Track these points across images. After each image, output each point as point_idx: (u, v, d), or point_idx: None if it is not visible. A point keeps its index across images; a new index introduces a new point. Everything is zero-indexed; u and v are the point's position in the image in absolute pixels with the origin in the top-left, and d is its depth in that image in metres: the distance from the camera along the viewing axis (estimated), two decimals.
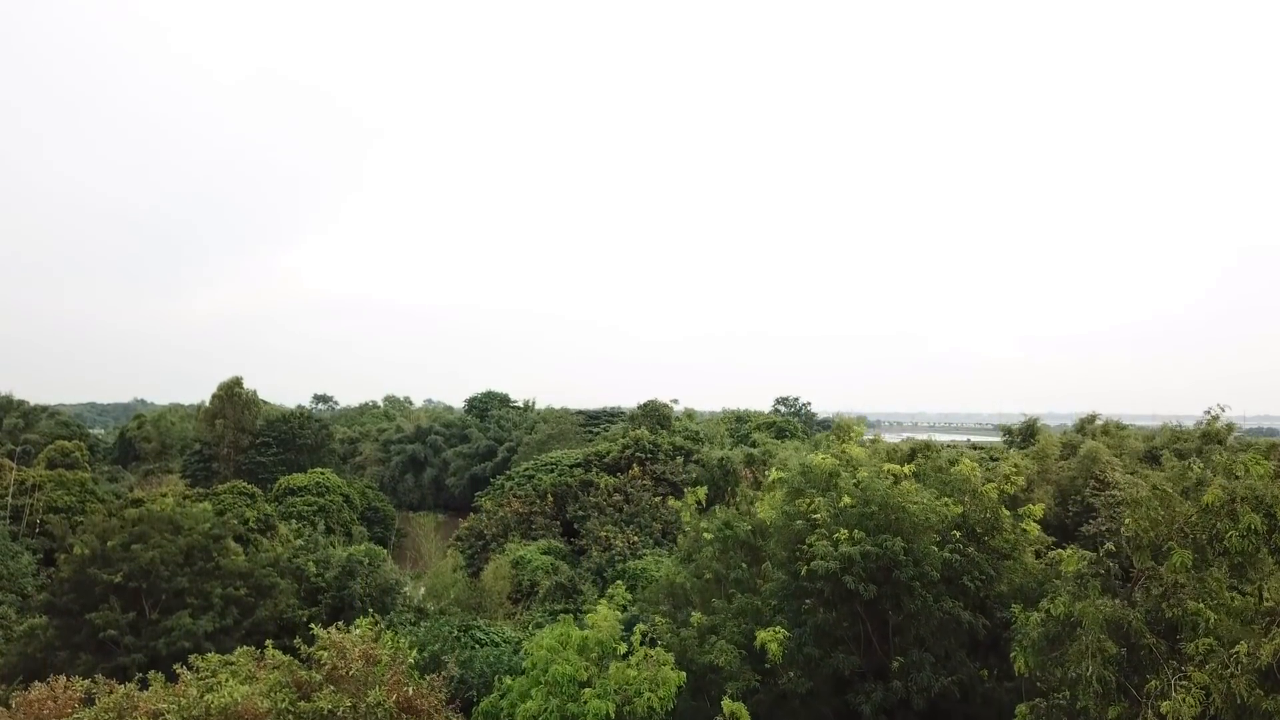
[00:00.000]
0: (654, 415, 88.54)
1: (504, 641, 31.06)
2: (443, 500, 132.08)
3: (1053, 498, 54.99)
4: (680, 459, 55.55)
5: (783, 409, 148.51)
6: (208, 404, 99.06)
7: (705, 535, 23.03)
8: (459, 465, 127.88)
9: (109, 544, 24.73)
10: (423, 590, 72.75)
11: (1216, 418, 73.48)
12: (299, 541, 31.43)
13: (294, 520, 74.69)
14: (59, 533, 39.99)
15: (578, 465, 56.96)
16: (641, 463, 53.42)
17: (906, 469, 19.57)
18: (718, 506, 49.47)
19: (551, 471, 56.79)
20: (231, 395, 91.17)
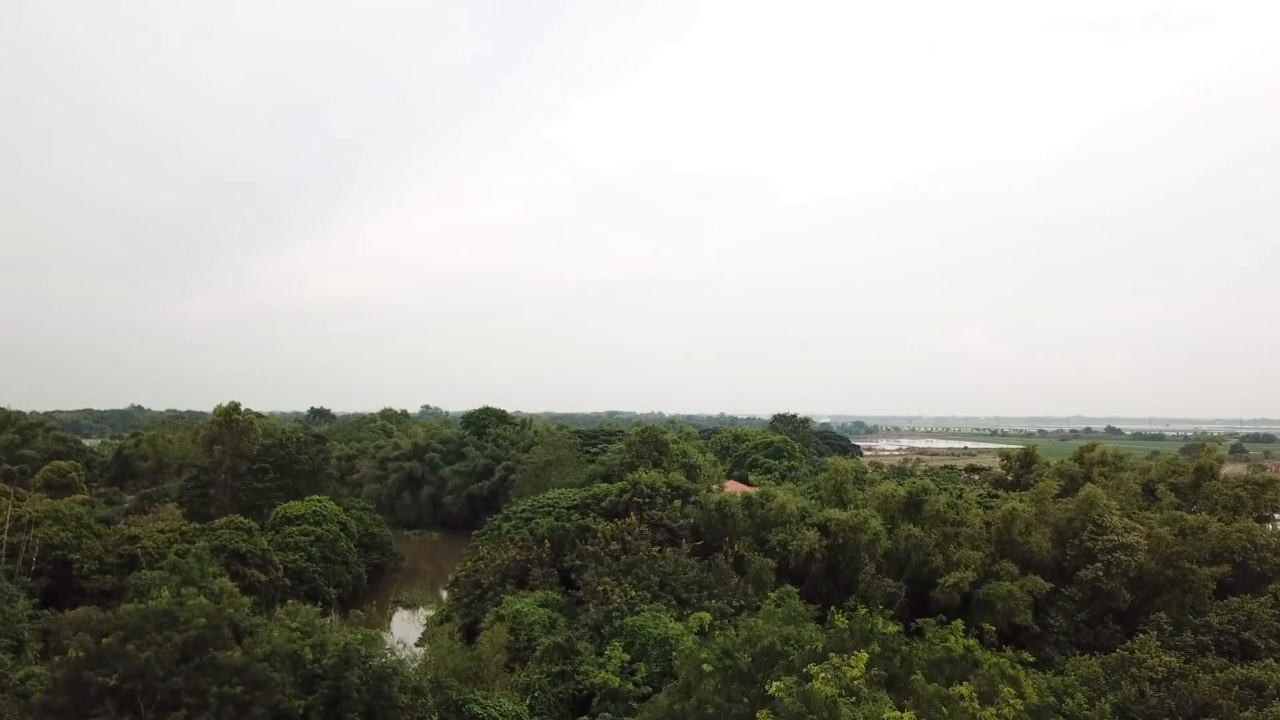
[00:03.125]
0: (651, 442, 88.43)
1: (501, 716, 31.08)
2: (440, 518, 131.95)
3: (1050, 539, 55.11)
4: (678, 502, 55.47)
5: (780, 426, 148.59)
6: (205, 425, 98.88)
7: (705, 667, 22.63)
8: (456, 484, 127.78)
9: (104, 641, 24.65)
10: (422, 618, 72.70)
11: (1212, 450, 74.16)
12: (295, 624, 31.31)
13: (290, 551, 74.56)
14: (53, 627, 39.76)
15: (575, 508, 56.86)
16: (639, 508, 53.32)
17: (906, 717, 18.66)
18: (718, 556, 49.63)
19: (549, 514, 56.67)
20: (229, 421, 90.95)
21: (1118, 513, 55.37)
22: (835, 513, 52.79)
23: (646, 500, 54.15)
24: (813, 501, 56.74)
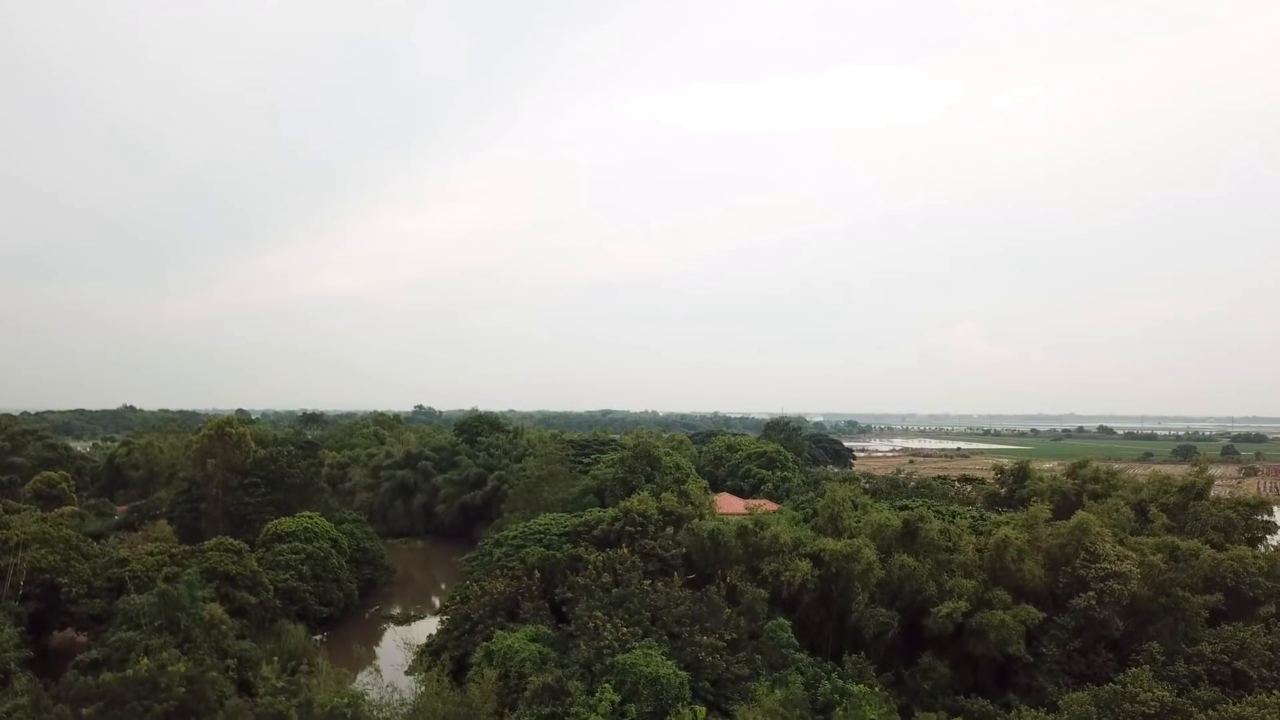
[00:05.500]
0: (644, 457, 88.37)
1: None
2: (432, 526, 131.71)
3: (1043, 566, 54.95)
4: (670, 529, 55.20)
5: (773, 434, 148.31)
6: (197, 438, 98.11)
7: None
8: (449, 492, 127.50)
9: (85, 713, 24.30)
10: (413, 633, 72.26)
11: (1203, 470, 74.18)
12: (280, 682, 30.96)
13: (281, 570, 74.07)
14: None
15: (566, 536, 56.56)
16: (631, 537, 53.02)
17: None
18: (710, 588, 49.27)
19: (540, 542, 56.37)
20: (222, 435, 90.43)
21: (1110, 540, 55.26)
22: (829, 542, 52.51)
23: (639, 529, 53.86)
24: (807, 529, 56.44)
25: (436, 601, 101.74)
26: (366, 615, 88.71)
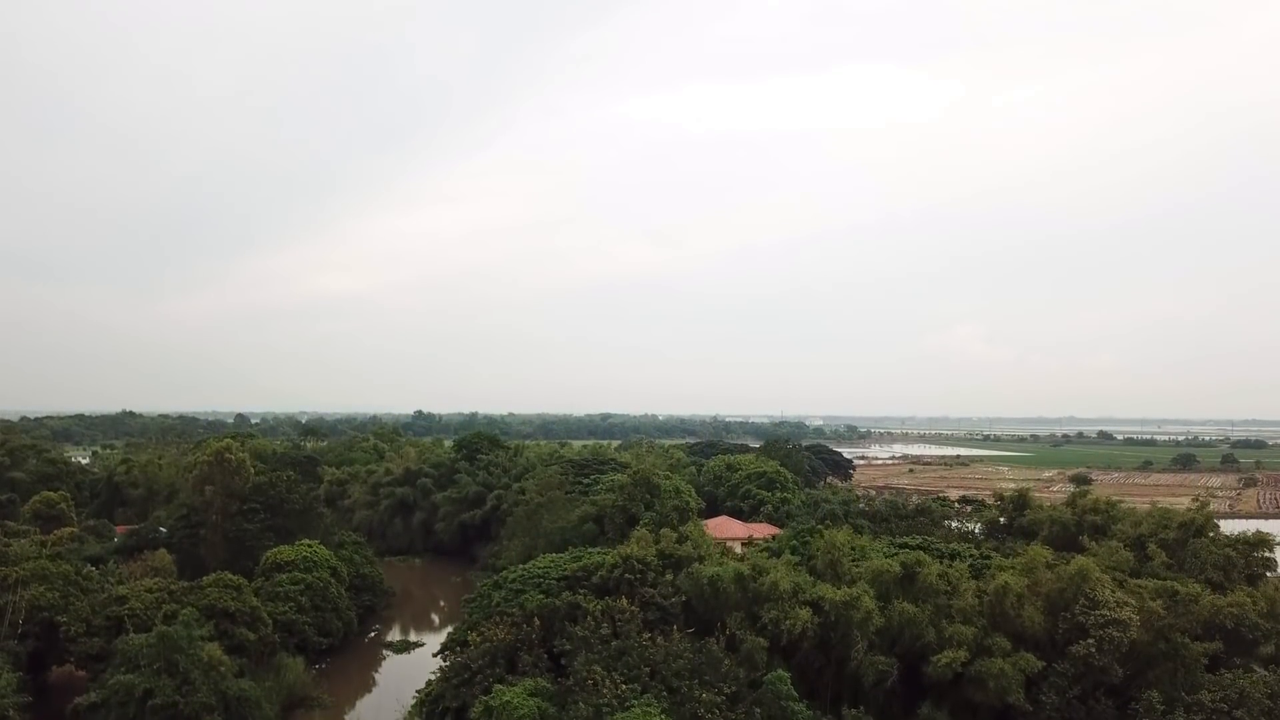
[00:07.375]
0: (644, 485, 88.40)
1: None
2: (431, 544, 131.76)
3: (1042, 612, 54.92)
4: (670, 574, 55.24)
5: (772, 452, 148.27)
6: (196, 463, 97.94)
7: None
8: (448, 510, 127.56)
9: None
10: (414, 660, 72.23)
11: (1203, 507, 74.22)
12: None
13: (280, 602, 73.91)
14: None
15: (565, 581, 56.54)
16: (630, 585, 53.02)
17: None
18: (709, 640, 49.26)
19: (539, 587, 56.40)
20: (221, 460, 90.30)
21: (1109, 585, 55.23)
22: (828, 590, 52.50)
23: (638, 576, 53.90)
24: (805, 574, 56.38)
25: (436, 619, 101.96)
26: (366, 640, 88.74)
